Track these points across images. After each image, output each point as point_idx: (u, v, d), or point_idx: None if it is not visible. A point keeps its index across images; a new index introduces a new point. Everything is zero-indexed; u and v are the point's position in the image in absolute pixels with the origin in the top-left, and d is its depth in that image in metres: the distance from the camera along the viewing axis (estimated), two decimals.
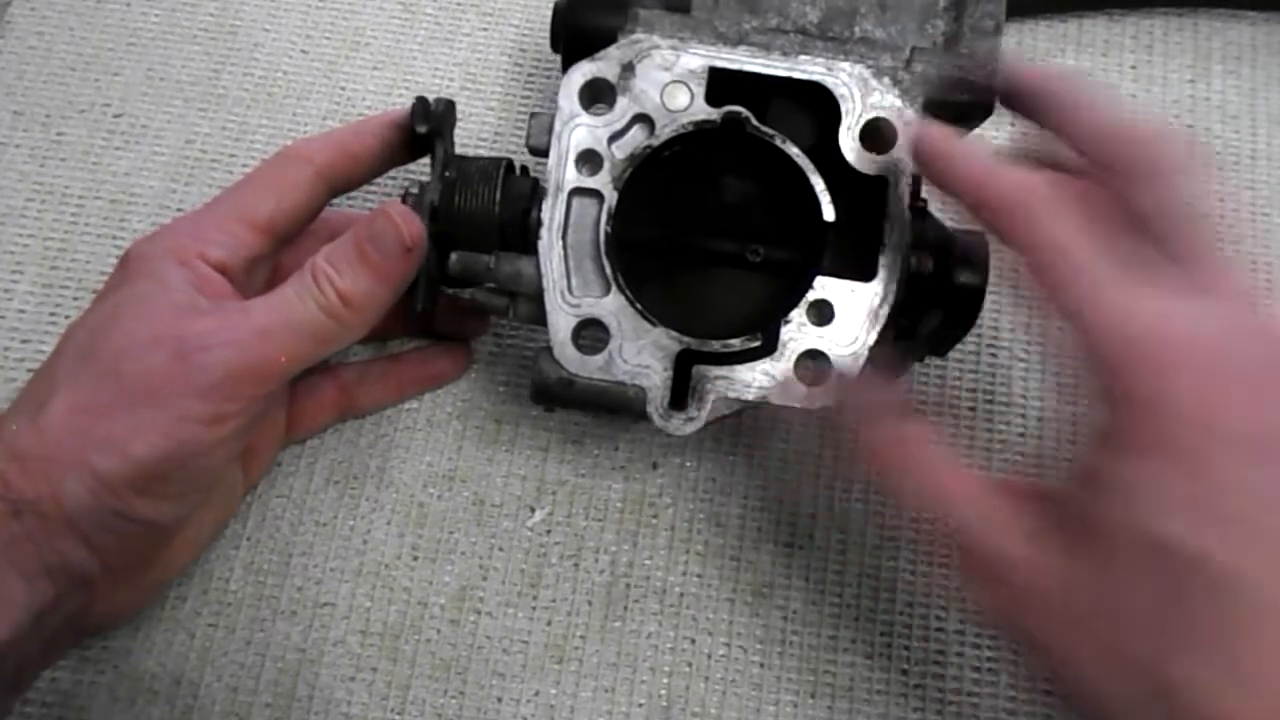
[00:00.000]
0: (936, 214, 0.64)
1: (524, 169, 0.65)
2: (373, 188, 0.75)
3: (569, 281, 0.60)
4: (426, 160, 0.65)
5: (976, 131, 0.65)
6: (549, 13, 0.66)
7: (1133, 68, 0.84)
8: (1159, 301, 0.50)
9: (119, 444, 0.55)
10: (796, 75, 0.60)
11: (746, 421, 0.73)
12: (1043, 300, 0.51)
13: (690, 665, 0.67)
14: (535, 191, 0.62)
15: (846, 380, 0.59)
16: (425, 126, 0.64)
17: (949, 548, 0.68)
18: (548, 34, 0.67)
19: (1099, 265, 0.50)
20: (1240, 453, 0.47)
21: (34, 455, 0.55)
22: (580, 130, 0.60)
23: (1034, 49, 0.84)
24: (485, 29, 0.84)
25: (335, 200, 0.67)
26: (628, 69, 0.60)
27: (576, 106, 0.61)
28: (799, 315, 0.59)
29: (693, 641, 0.67)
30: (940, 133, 0.58)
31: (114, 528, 0.56)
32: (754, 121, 0.60)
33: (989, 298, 0.63)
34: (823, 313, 0.59)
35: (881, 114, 0.60)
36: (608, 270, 0.60)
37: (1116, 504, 0.48)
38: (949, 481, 0.54)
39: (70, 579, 0.56)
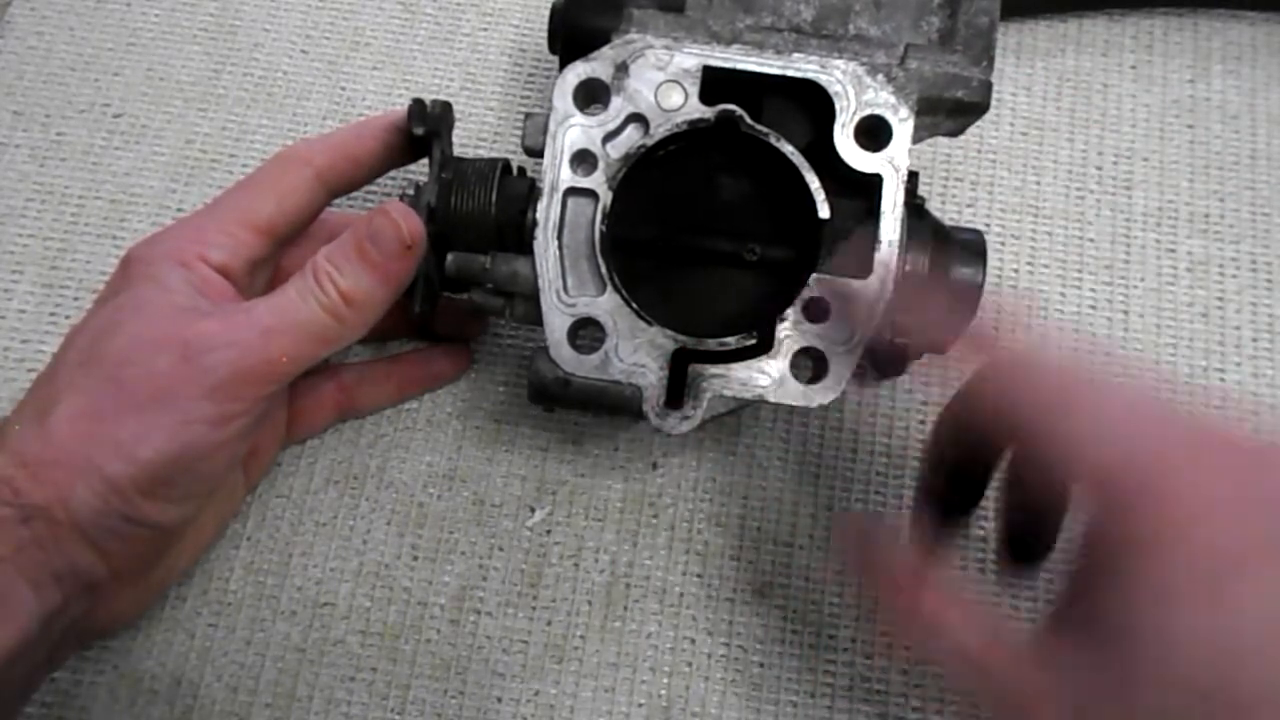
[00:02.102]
0: (933, 211, 0.64)
1: (521, 170, 0.66)
2: (372, 189, 0.75)
3: (564, 281, 0.60)
4: (426, 161, 0.65)
5: (973, 130, 0.66)
6: (548, 13, 0.67)
7: (1133, 68, 0.84)
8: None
9: (126, 448, 0.56)
10: (790, 73, 0.60)
11: (746, 421, 0.73)
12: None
13: (690, 665, 0.67)
14: (531, 192, 0.62)
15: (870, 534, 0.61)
16: (422, 128, 0.64)
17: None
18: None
19: None
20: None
21: (42, 461, 0.55)
22: (575, 130, 0.60)
23: (1034, 49, 0.84)
24: (485, 29, 0.84)
25: (335, 201, 0.67)
26: (621, 69, 0.60)
27: (571, 107, 0.60)
28: (795, 313, 0.59)
29: (693, 641, 0.67)
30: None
31: (122, 532, 0.57)
32: (748, 120, 0.60)
33: (986, 294, 0.63)
34: (817, 310, 0.59)
35: (876, 111, 0.60)
36: (603, 270, 0.60)
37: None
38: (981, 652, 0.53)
39: (77, 584, 0.56)
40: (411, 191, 0.64)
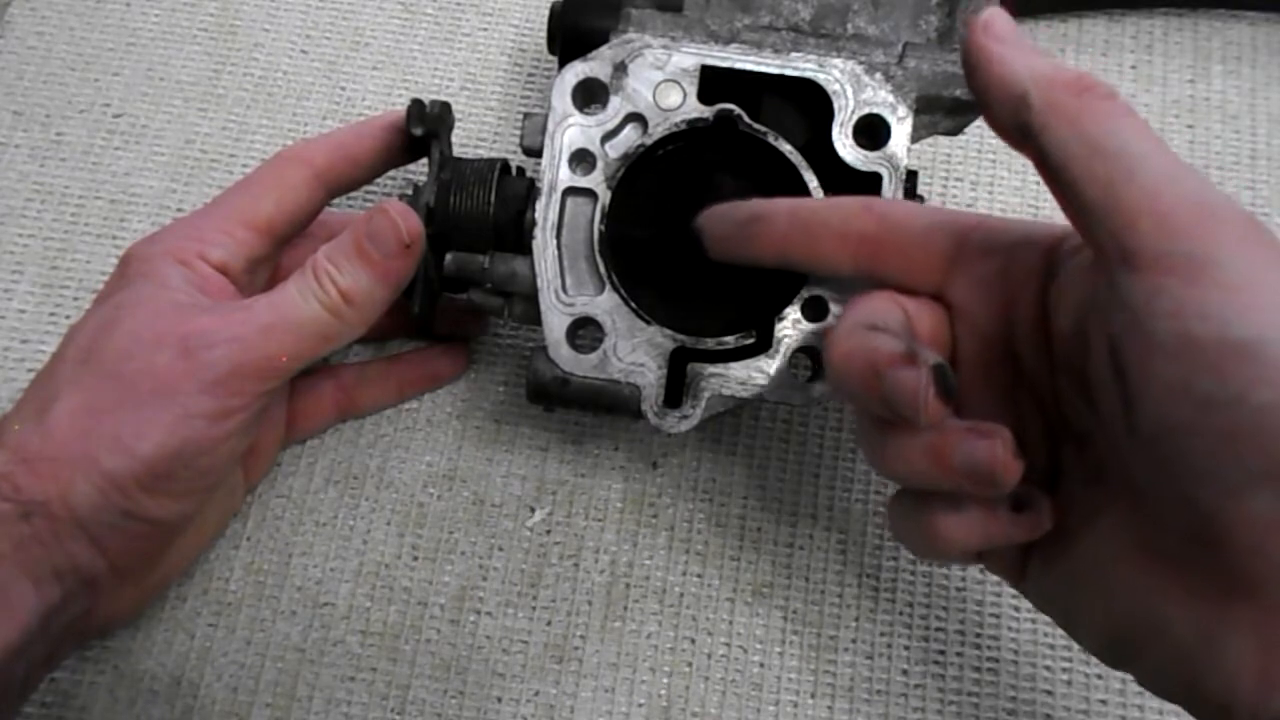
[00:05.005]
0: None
1: (520, 170, 0.66)
2: (372, 189, 0.75)
3: (563, 281, 0.60)
4: (426, 161, 0.65)
5: (973, 130, 0.66)
6: (547, 13, 0.67)
7: (1133, 68, 0.84)
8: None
9: (126, 443, 0.56)
10: (789, 72, 0.60)
11: (746, 421, 0.73)
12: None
13: (690, 665, 0.67)
14: (530, 192, 0.62)
15: None
16: (421, 129, 0.64)
17: None
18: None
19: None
20: None
21: (41, 457, 0.55)
22: (573, 130, 0.60)
23: None
24: (485, 29, 0.84)
25: (334, 201, 0.68)
26: (620, 69, 0.60)
27: (569, 106, 0.61)
28: (793, 312, 0.60)
29: (693, 641, 0.67)
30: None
31: (122, 528, 0.57)
32: (746, 119, 0.60)
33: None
34: (817, 309, 0.60)
35: (874, 110, 0.60)
36: (601, 269, 0.60)
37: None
38: None
39: (78, 580, 0.56)
40: (410, 191, 0.65)
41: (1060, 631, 0.54)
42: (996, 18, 0.50)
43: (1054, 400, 0.51)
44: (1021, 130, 0.48)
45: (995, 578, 0.66)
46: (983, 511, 0.50)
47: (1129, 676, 0.51)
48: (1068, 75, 0.47)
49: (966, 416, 0.50)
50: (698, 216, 0.59)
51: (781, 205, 0.57)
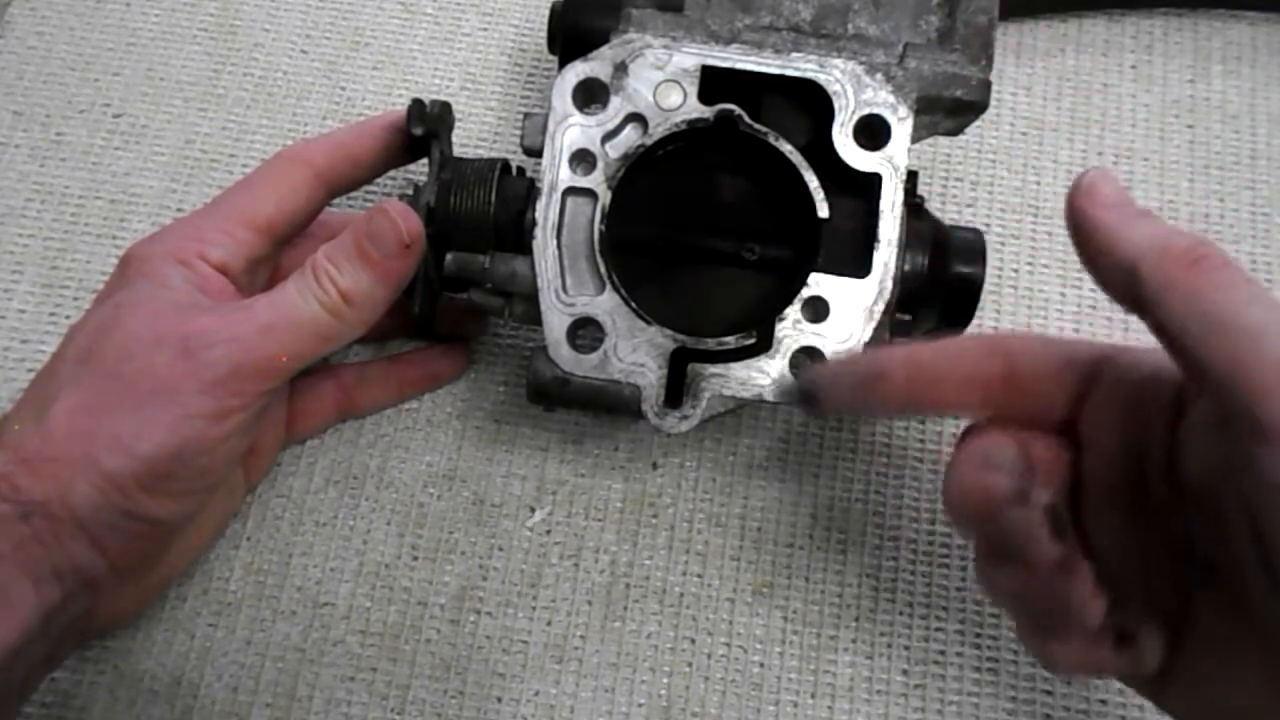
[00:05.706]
0: (933, 211, 0.64)
1: (520, 170, 0.66)
2: (372, 189, 0.75)
3: (564, 281, 0.60)
4: (426, 161, 0.65)
5: (973, 130, 0.66)
6: (547, 13, 0.67)
7: (1133, 68, 0.84)
8: None
9: (126, 443, 0.56)
10: (789, 73, 0.60)
11: (746, 421, 0.73)
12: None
13: (690, 665, 0.67)
14: (531, 192, 0.62)
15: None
16: (421, 129, 0.64)
17: (948, 547, 0.69)
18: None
19: None
20: None
21: (41, 457, 0.55)
22: (574, 130, 0.60)
23: (1034, 49, 0.84)
24: (485, 29, 0.84)
25: (335, 201, 0.68)
26: (620, 69, 0.60)
27: (570, 106, 0.61)
28: (794, 312, 0.59)
29: (693, 641, 0.67)
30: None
31: (122, 527, 0.57)
32: (747, 119, 0.60)
33: (986, 294, 0.63)
34: (818, 310, 0.59)
35: (875, 110, 0.60)
36: (602, 269, 0.60)
37: None
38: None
39: (78, 580, 0.56)
40: (410, 191, 0.65)
41: None
42: (1100, 180, 0.49)
43: (1184, 530, 0.49)
44: (1135, 301, 0.47)
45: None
46: (1085, 641, 0.50)
47: None
48: (1179, 245, 0.46)
49: (1092, 541, 0.50)
50: (808, 374, 0.59)
51: (898, 358, 0.55)
